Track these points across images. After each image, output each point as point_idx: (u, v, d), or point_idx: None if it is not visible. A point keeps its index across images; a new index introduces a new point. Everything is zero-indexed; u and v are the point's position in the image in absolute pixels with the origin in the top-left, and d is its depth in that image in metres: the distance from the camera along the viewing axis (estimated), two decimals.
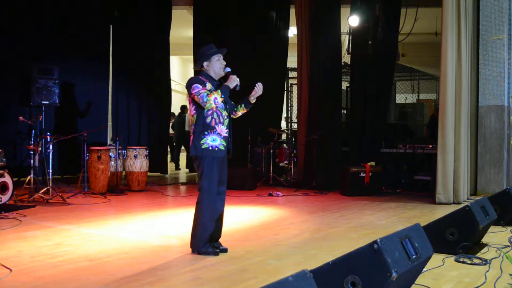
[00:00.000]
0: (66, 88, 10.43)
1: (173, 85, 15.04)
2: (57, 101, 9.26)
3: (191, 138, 4.38)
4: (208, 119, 4.31)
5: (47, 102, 9.12)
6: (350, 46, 9.82)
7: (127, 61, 11.69)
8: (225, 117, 4.40)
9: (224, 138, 4.37)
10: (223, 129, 4.36)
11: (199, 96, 4.23)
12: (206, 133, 4.30)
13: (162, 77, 12.02)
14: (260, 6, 11.47)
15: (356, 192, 8.37)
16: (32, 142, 7.53)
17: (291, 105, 12.26)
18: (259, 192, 8.80)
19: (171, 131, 14.85)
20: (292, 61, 11.99)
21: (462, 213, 4.43)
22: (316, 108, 9.73)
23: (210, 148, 4.30)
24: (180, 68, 19.99)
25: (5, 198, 6.48)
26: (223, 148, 4.36)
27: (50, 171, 7.45)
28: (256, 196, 8.35)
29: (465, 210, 4.41)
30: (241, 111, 4.59)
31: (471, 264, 4.10)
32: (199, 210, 4.38)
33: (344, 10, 10.30)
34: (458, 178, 7.51)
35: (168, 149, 14.62)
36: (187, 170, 13.34)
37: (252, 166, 10.20)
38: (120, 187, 8.64)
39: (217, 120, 4.33)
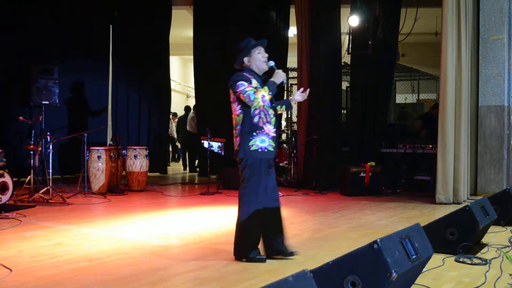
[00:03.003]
0: (66, 88, 10.43)
1: (173, 85, 15.05)
2: (57, 101, 9.26)
3: (237, 139, 4.08)
4: (256, 119, 4.02)
5: (47, 102, 9.12)
6: (350, 46, 9.81)
7: (127, 61, 11.70)
8: (272, 116, 4.11)
9: (272, 138, 4.09)
10: (271, 129, 4.08)
11: (245, 95, 3.96)
12: (254, 134, 4.02)
13: (162, 77, 12.03)
14: (260, 6, 11.47)
15: (356, 192, 8.37)
16: (32, 142, 7.53)
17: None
18: None
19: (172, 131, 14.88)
20: (292, 61, 11.98)
21: (462, 213, 4.42)
22: (316, 108, 9.73)
23: (260, 150, 4.02)
24: (180, 68, 19.99)
25: (5, 198, 6.47)
26: (272, 149, 4.09)
27: (50, 171, 7.44)
28: None
29: (465, 210, 4.41)
30: (279, 112, 4.32)
31: (471, 264, 4.10)
32: (245, 215, 4.05)
33: (344, 10, 10.30)
34: (458, 178, 7.51)
35: (170, 149, 14.66)
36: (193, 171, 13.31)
37: None
38: (120, 187, 8.64)
39: (265, 120, 4.05)
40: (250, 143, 4.01)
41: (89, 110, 11.10)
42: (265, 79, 4.18)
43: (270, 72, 4.19)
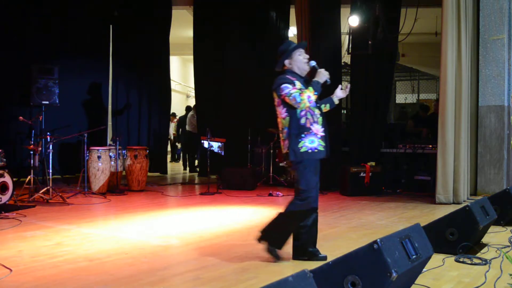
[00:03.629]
0: (66, 88, 10.43)
1: (173, 85, 15.05)
2: (57, 101, 9.26)
3: (286, 142, 4.06)
4: (302, 120, 4.00)
5: (47, 102, 9.12)
6: (350, 46, 9.81)
7: (127, 61, 11.69)
8: (318, 116, 4.08)
9: (322, 137, 4.06)
10: (319, 129, 4.05)
11: (290, 97, 3.94)
12: (302, 135, 3.99)
13: (162, 77, 12.02)
14: (260, 6, 11.47)
15: (356, 192, 8.37)
16: (32, 142, 7.53)
17: None
18: (259, 192, 8.80)
19: (172, 131, 14.88)
20: None
21: (462, 213, 4.43)
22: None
23: (310, 150, 4.00)
24: (180, 68, 20.00)
25: (5, 198, 6.47)
26: (322, 149, 4.06)
27: (50, 171, 7.44)
28: (256, 196, 8.35)
29: (465, 210, 4.41)
30: (324, 110, 4.25)
31: (471, 264, 4.10)
32: (293, 213, 4.11)
33: (344, 10, 10.30)
34: (458, 178, 7.51)
35: (168, 149, 14.67)
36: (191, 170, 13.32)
37: (252, 166, 10.20)
38: (120, 187, 8.63)
39: (311, 120, 4.02)
40: (300, 145, 4.00)
41: (89, 110, 11.09)
42: (307, 79, 4.18)
43: (311, 73, 4.17)
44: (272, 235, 4.16)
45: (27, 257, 4.26)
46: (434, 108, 9.89)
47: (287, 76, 4.10)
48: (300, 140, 4.00)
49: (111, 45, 11.72)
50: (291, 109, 4.02)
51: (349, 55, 10.03)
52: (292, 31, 12.42)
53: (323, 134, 4.08)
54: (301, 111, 4.00)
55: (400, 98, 13.55)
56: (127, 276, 3.76)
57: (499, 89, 8.09)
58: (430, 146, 8.74)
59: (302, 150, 4.00)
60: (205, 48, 11.79)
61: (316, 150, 4.03)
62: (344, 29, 10.63)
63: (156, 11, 11.87)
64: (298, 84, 4.05)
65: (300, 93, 3.95)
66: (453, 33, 7.54)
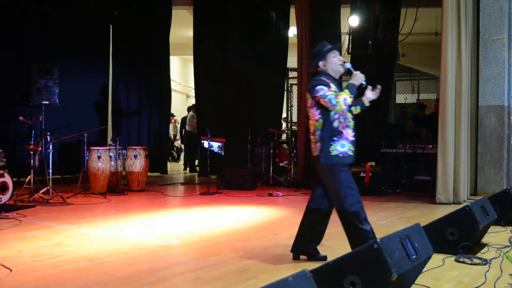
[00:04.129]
0: (66, 88, 10.43)
1: (173, 85, 15.05)
2: (57, 101, 9.26)
3: (317, 144, 4.00)
4: (335, 123, 3.94)
5: (47, 102, 9.12)
6: (350, 46, 9.81)
7: (127, 61, 11.70)
8: (350, 120, 4.03)
9: (352, 142, 4.01)
10: (350, 133, 4.00)
11: (326, 99, 3.88)
12: (335, 139, 3.94)
13: (162, 77, 12.03)
14: (260, 6, 11.47)
15: None
16: (32, 142, 7.53)
17: (291, 105, 12.27)
18: (259, 192, 8.80)
19: (171, 131, 14.88)
20: (292, 61, 11.99)
21: (462, 213, 4.42)
22: None
23: (340, 154, 3.94)
24: (180, 68, 19.98)
25: (5, 198, 6.47)
26: (351, 154, 4.00)
27: (50, 171, 7.44)
28: (256, 196, 8.35)
29: (465, 210, 4.41)
30: (355, 112, 4.18)
31: (471, 264, 4.10)
32: (351, 214, 3.93)
33: (344, 10, 10.30)
34: (458, 178, 7.51)
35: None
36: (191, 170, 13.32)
37: (252, 166, 10.20)
38: (120, 187, 8.63)
39: (344, 124, 3.97)
40: (331, 148, 3.94)
41: (89, 110, 11.09)
42: (341, 82, 4.12)
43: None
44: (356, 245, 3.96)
45: (27, 257, 4.26)
46: (434, 108, 9.90)
47: (322, 78, 4.05)
48: (332, 143, 3.95)
49: (111, 45, 11.73)
50: (325, 111, 3.96)
51: (349, 55, 10.03)
52: (292, 31, 12.43)
53: (353, 138, 4.03)
54: (335, 114, 3.95)
55: (400, 98, 13.54)
56: (127, 276, 3.76)
57: (499, 89, 8.10)
58: (430, 146, 8.74)
59: (333, 153, 3.94)
60: (205, 48, 11.79)
61: (346, 155, 3.98)
62: (344, 29, 10.64)
63: (156, 11, 11.88)
64: (333, 87, 4.01)
65: (335, 95, 3.90)
66: (453, 33, 7.55)
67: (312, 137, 4.08)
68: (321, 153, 3.96)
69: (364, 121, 9.64)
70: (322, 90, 3.93)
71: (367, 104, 4.23)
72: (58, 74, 9.30)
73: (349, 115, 4.04)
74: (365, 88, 4.12)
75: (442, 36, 7.59)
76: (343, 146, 3.96)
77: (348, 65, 4.14)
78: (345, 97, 3.91)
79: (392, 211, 6.91)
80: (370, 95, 4.23)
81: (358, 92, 4.10)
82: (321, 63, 4.11)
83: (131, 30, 11.62)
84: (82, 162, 8.18)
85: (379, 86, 4.25)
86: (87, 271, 3.89)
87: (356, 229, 3.92)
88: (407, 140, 9.24)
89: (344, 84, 4.15)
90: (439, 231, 4.42)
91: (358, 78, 4.05)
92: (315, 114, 4.02)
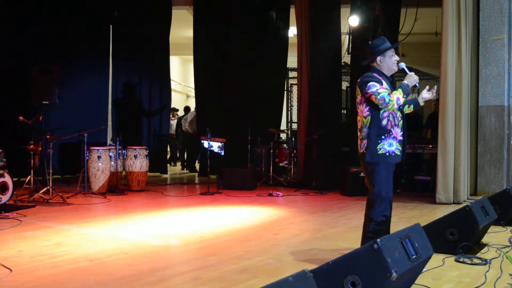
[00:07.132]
0: (66, 88, 10.43)
1: (173, 85, 15.05)
2: (57, 101, 9.25)
3: (363, 142, 3.95)
4: (384, 122, 3.88)
5: (47, 102, 9.10)
6: (350, 46, 9.82)
7: (127, 61, 11.71)
8: (400, 119, 3.96)
9: (400, 142, 3.95)
10: (398, 132, 3.94)
11: (378, 96, 3.80)
12: (383, 137, 3.88)
13: (162, 77, 12.03)
14: (260, 6, 11.47)
15: (356, 192, 8.35)
16: (32, 142, 7.53)
17: (291, 105, 12.28)
18: (259, 192, 8.80)
19: (171, 131, 14.85)
20: (292, 61, 11.99)
21: (462, 213, 4.43)
22: (316, 108, 9.73)
23: (387, 153, 3.90)
24: (180, 68, 19.98)
25: (5, 198, 6.47)
26: (399, 153, 3.95)
27: (50, 171, 7.44)
28: (256, 196, 8.35)
29: (465, 210, 4.41)
30: (407, 111, 4.14)
31: (471, 264, 4.10)
32: (370, 218, 4.04)
33: (344, 10, 10.30)
34: (458, 178, 7.51)
35: (168, 149, 14.65)
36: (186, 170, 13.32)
37: (252, 166, 10.20)
38: (120, 187, 8.64)
39: (393, 123, 3.91)
40: (378, 147, 3.90)
41: (89, 110, 11.08)
42: (393, 80, 4.08)
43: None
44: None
45: (27, 257, 4.26)
46: (434, 108, 9.90)
47: (374, 74, 3.97)
48: (379, 141, 3.89)
49: (111, 45, 11.73)
50: (375, 109, 3.90)
51: (349, 55, 10.04)
52: (292, 31, 12.43)
53: (401, 138, 3.97)
54: (384, 112, 3.89)
55: None
56: (127, 276, 3.76)
57: (499, 89, 8.09)
58: (430, 146, 8.74)
59: (379, 152, 3.89)
60: (205, 48, 11.79)
61: (393, 154, 3.93)
62: (344, 29, 10.64)
63: (156, 11, 11.88)
64: (385, 84, 3.92)
65: (389, 94, 3.82)
66: (453, 33, 7.55)
67: (359, 133, 4.03)
68: (367, 150, 3.92)
69: None
70: (374, 87, 3.85)
71: (422, 104, 4.17)
72: (58, 74, 9.30)
73: (399, 114, 3.98)
74: (418, 89, 4.07)
75: (442, 36, 7.59)
76: (390, 145, 3.91)
77: (403, 65, 4.08)
78: (399, 97, 3.85)
79: (392, 211, 6.89)
80: (426, 95, 4.14)
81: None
82: (379, 59, 4.02)
83: (131, 30, 11.63)
84: (82, 162, 8.17)
85: (435, 87, 4.22)
86: (87, 271, 3.89)
87: (366, 233, 4.05)
88: (407, 140, 9.24)
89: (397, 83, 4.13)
90: (439, 231, 4.42)
91: (413, 79, 3.97)
92: (364, 110, 3.96)
